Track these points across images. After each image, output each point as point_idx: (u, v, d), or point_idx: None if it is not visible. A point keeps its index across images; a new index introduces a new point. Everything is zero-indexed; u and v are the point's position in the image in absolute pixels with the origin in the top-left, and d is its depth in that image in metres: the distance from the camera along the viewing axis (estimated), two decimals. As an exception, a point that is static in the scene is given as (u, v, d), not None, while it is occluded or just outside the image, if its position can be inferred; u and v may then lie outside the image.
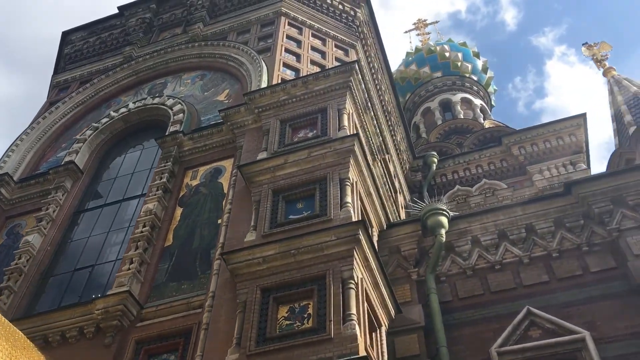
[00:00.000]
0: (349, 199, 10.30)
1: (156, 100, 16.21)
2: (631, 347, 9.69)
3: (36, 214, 13.82)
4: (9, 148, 16.52)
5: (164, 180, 13.00)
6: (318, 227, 9.76)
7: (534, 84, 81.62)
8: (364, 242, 9.35)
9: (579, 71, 79.17)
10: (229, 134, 13.63)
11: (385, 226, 12.41)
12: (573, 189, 11.71)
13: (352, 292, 8.66)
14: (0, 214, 14.60)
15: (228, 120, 13.57)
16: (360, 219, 10.04)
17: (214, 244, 11.20)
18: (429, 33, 41.03)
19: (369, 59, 20.32)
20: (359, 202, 10.85)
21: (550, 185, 21.45)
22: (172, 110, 15.36)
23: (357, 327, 8.18)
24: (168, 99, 16.02)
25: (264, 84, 14.48)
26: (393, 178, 20.66)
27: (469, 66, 33.25)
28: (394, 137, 22.24)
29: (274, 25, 17.67)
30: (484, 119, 31.34)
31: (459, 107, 31.21)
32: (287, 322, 8.71)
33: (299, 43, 17.26)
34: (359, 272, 9.17)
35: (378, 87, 20.89)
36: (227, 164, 13.28)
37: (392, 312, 10.47)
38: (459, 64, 33.09)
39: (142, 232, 11.81)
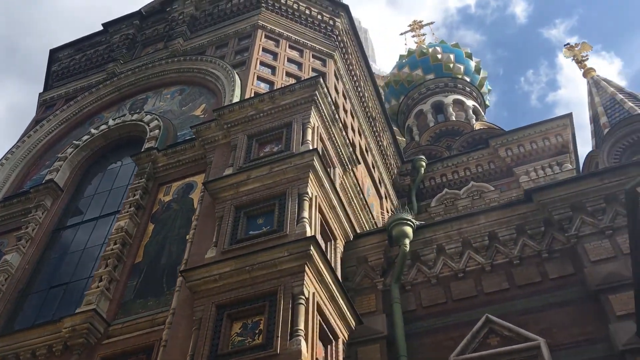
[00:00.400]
0: (305, 214, 10.51)
1: (135, 116, 16.54)
2: (585, 354, 9.81)
3: (16, 233, 14.19)
4: (-5, 167, 16.94)
5: (137, 197, 13.30)
6: (274, 243, 9.99)
7: (547, 77, 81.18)
8: (316, 257, 9.56)
9: (592, 63, 78.72)
10: (201, 149, 13.90)
11: (351, 237, 12.58)
12: (534, 196, 11.83)
13: (302, 308, 8.87)
14: (-16, 233, 14.99)
15: (199, 136, 13.85)
16: (313, 234, 10.23)
17: (181, 260, 11.46)
18: (424, 34, 41.25)
19: (350, 67, 20.54)
20: (318, 216, 11.05)
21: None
22: (148, 126, 15.68)
23: (303, 342, 8.39)
24: (146, 115, 16.34)
25: (236, 99, 14.74)
26: (378, 184, 20.91)
27: (462, 67, 33.34)
28: (380, 143, 22.44)
29: (250, 38, 17.93)
30: (477, 120, 31.43)
31: (450, 109, 31.32)
32: (240, 339, 8.94)
33: (275, 55, 17.49)
34: (311, 287, 9.38)
35: (361, 94, 21.11)
36: (199, 179, 13.52)
37: (352, 323, 10.66)
38: (452, 65, 33.19)
39: (112, 249, 12.11)
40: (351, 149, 14.34)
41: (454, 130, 28.61)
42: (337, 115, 13.87)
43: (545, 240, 11.61)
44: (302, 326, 8.62)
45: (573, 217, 11.39)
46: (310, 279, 9.42)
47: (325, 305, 9.81)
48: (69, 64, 21.21)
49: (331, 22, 19.85)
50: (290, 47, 18.25)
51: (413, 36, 41.33)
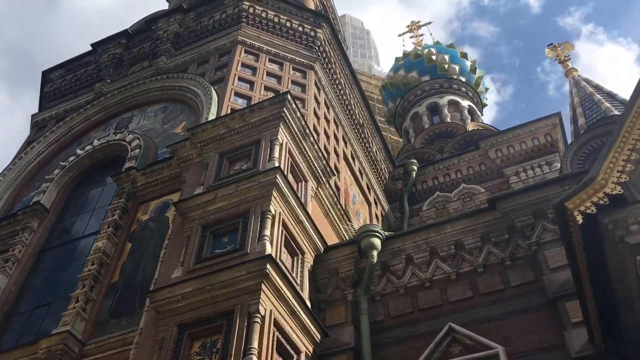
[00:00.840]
0: (267, 232, 10.79)
1: (118, 136, 16.95)
2: (542, 361, 9.98)
3: (3, 255, 14.67)
4: (-13, 190, 17.47)
5: (115, 217, 13.69)
6: (235, 262, 10.29)
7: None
8: (273, 275, 9.83)
9: (608, 50, 77.82)
10: (178, 168, 14.25)
11: (322, 250, 12.82)
12: (497, 204, 11.98)
13: (257, 326, 9.15)
14: (-26, 256, 15.49)
15: (175, 155, 14.20)
16: (274, 251, 10.52)
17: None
18: (422, 35, 41.32)
19: (334, 76, 20.78)
20: (282, 232, 11.33)
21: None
22: (130, 145, 16.08)
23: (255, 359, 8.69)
24: (128, 134, 16.74)
25: (212, 116, 15.07)
26: (366, 191, 21.13)
27: (457, 67, 33.37)
28: (369, 149, 22.64)
29: (230, 54, 18.25)
30: (472, 120, 31.48)
31: (446, 110, 31.40)
32: (198, 357, 9.25)
33: (254, 70, 17.79)
34: (268, 304, 9.66)
35: (347, 102, 21.35)
36: (176, 197, 13.81)
37: (317, 337, 10.92)
38: (446, 66, 33.24)
39: (89, 270, 12.52)
40: (325, 162, 14.57)
41: (447, 131, 28.73)
42: (307, 130, 14.11)
43: (509, 248, 11.76)
44: (255, 344, 8.89)
45: (535, 224, 11.53)
46: (267, 297, 9.70)
47: (286, 321, 10.08)
48: (60, 85, 21.71)
49: (312, 33, 20.09)
50: (270, 60, 18.53)
51: (411, 37, 41.45)
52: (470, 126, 28.46)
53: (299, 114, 13.86)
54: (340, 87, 21.01)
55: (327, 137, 18.34)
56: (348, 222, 15.86)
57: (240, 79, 17.23)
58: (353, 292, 12.42)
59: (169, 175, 14.41)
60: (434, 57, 33.47)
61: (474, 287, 11.56)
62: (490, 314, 10.95)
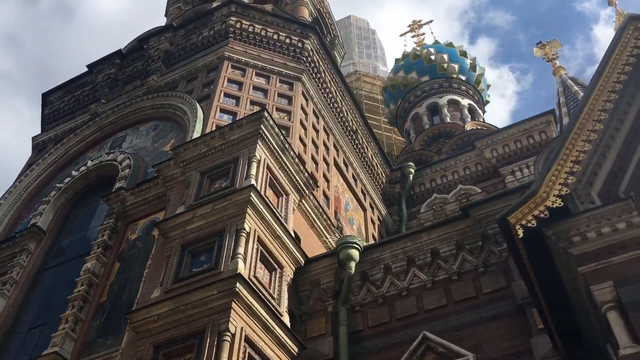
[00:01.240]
0: (241, 249, 11.11)
1: (110, 156, 17.41)
2: (511, 367, 10.15)
3: (2, 278, 15.20)
4: (-13, 213, 18.05)
5: (105, 237, 14.12)
6: (209, 281, 10.62)
7: (584, 52, 79.56)
8: (243, 293, 10.15)
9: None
10: (164, 186, 14.64)
11: (302, 262, 13.10)
12: (470, 212, 12.17)
13: (226, 344, 9.49)
14: (-25, 279, 16.05)
15: (160, 174, 14.59)
16: (247, 269, 10.83)
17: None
18: (423, 34, 41.33)
19: (324, 85, 21.04)
20: (257, 249, 11.63)
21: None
22: (121, 165, 16.52)
23: (223, 378, 9.02)
24: (120, 154, 17.18)
25: (196, 134, 15.43)
26: (361, 196, 21.35)
27: (456, 66, 33.39)
28: (364, 154, 22.85)
29: (217, 70, 18.61)
30: (472, 118, 31.48)
31: (445, 110, 31.47)
32: (172, 376, 9.63)
33: (240, 85, 18.12)
34: (239, 322, 9.97)
35: (338, 110, 21.60)
36: (162, 216, 14.23)
37: (294, 350, 11.20)
38: (446, 65, 33.28)
39: (79, 291, 12.96)
40: (307, 174, 14.84)
41: (446, 132, 28.81)
42: (287, 145, 14.40)
43: (483, 255, 11.94)
44: (225, 363, 9.22)
45: (506, 231, 11.66)
46: (237, 315, 10.02)
47: (259, 336, 10.39)
48: (59, 107, 22.27)
49: (300, 45, 20.38)
50: (257, 74, 18.86)
51: (412, 36, 41.46)
52: (469, 126, 28.50)
53: (277, 130, 14.15)
54: (330, 95, 21.26)
55: (316, 146, 18.61)
56: (336, 232, 16.11)
57: (227, 94, 17.57)
58: (334, 304, 12.69)
59: (156, 194, 14.78)
60: (432, 57, 33.52)
61: (448, 295, 11.76)
62: (463, 321, 11.16)
